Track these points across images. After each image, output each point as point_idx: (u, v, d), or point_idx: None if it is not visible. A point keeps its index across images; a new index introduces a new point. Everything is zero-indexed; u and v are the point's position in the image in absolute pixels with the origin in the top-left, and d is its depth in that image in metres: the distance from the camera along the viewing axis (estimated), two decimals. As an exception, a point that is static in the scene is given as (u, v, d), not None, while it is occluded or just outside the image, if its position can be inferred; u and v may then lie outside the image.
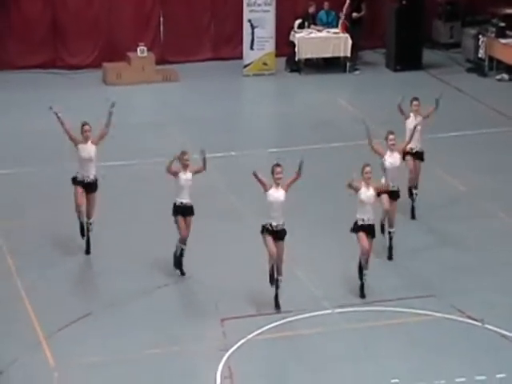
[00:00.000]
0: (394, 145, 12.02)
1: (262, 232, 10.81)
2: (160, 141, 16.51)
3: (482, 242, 12.59)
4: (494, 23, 19.85)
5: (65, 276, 11.91)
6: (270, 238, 10.76)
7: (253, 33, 19.79)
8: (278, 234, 10.77)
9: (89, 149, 12.19)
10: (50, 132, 16.91)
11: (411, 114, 13.10)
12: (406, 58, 19.86)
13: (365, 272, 11.12)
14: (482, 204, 13.68)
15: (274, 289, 10.89)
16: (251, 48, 19.87)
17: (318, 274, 11.76)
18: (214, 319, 10.79)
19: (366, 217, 11.07)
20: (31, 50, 20.00)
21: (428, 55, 20.52)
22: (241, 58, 19.98)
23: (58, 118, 12.36)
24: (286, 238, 10.94)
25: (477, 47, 20.04)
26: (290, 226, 11.19)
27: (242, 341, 10.36)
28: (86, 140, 12.19)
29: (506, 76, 19.44)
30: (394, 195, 11.97)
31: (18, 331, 10.63)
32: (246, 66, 19.96)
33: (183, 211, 11.59)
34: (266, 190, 10.78)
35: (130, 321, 10.86)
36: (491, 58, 19.75)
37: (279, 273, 10.83)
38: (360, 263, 11.13)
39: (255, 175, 10.81)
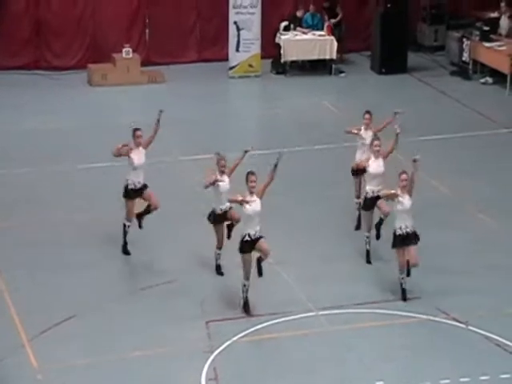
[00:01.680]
0: (378, 151, 11.97)
1: (242, 250, 10.71)
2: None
3: (465, 244, 12.65)
4: (478, 27, 19.96)
5: (49, 278, 11.85)
6: (249, 256, 10.68)
7: (238, 35, 19.81)
8: (256, 242, 10.67)
9: (141, 155, 12.22)
10: (35, 133, 16.92)
11: (362, 128, 12.84)
12: (391, 61, 19.94)
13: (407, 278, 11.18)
14: (464, 206, 13.74)
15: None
16: (237, 50, 19.88)
17: (302, 276, 11.77)
18: (199, 321, 10.77)
19: (405, 224, 11.03)
20: (15, 50, 19.90)
21: (413, 58, 20.61)
22: (226, 59, 19.99)
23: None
24: (271, 240, 10.91)
25: (461, 50, 20.14)
26: (275, 229, 11.22)
27: (227, 343, 10.36)
28: (137, 146, 12.21)
29: (489, 79, 19.54)
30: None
31: (1, 333, 10.56)
32: (231, 68, 19.97)
33: (225, 219, 11.51)
34: (246, 204, 10.65)
35: (115, 323, 10.82)
36: (475, 62, 19.86)
37: (265, 256, 10.76)
38: (408, 271, 11.13)
39: (231, 200, 10.88)
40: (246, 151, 11.55)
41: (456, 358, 10.08)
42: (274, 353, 10.31)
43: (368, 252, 12.02)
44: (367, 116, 12.90)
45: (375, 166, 11.90)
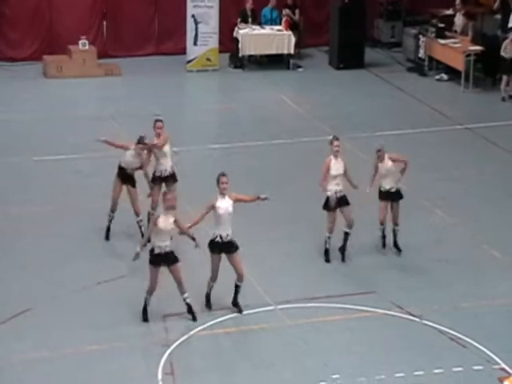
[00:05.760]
0: (338, 151, 11.95)
1: (211, 250, 10.62)
2: (100, 135, 16.31)
3: (420, 239, 12.79)
4: (433, 24, 20.18)
5: (3, 271, 11.71)
6: (217, 257, 10.61)
7: (196, 28, 19.76)
8: (227, 247, 10.58)
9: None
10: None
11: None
12: (349, 57, 20.06)
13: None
14: (420, 202, 13.89)
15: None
16: (195, 43, 19.83)
17: (261, 271, 11.78)
18: (156, 315, 10.73)
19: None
20: (-31, 41, 19.63)
21: (370, 54, 20.77)
22: (184, 53, 19.93)
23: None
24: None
25: (417, 47, 20.36)
26: (234, 223, 11.19)
27: (185, 337, 10.35)
28: (158, 136, 12.16)
29: (444, 76, 19.78)
30: (343, 202, 11.93)
31: (-45, 328, 10.43)
32: (189, 62, 19.91)
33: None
34: (214, 207, 10.50)
35: (70, 317, 10.73)
36: (431, 58, 20.09)
37: (240, 280, 10.74)
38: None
39: (198, 220, 10.54)
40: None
41: (410, 352, 10.20)
42: (232, 347, 10.32)
43: (327, 251, 12.01)
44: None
45: (336, 166, 11.88)
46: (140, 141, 12.21)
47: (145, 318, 10.60)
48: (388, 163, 12.12)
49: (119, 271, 11.69)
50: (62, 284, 11.39)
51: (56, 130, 16.55)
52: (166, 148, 12.29)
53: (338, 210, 11.90)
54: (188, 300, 10.61)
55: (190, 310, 10.64)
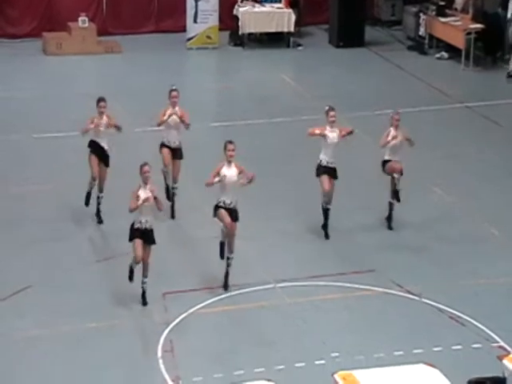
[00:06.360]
0: (334, 121, 11.92)
1: (215, 213, 10.64)
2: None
3: (420, 217, 12.81)
4: (434, 2, 20.09)
5: (4, 248, 11.73)
6: (224, 212, 10.57)
7: (196, 6, 19.67)
8: (230, 212, 10.60)
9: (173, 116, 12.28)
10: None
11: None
12: (349, 35, 19.98)
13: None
14: (420, 180, 13.90)
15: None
16: (195, 21, 19.76)
17: (261, 250, 11.82)
18: (156, 293, 10.76)
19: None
20: (-32, 17, 19.54)
21: (370, 32, 20.68)
22: (184, 31, 19.85)
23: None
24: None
25: (417, 25, 20.28)
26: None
27: (184, 315, 10.38)
28: (173, 106, 12.28)
29: (445, 54, 19.72)
30: (332, 173, 11.95)
31: (-44, 304, 10.47)
32: (189, 40, 19.84)
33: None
34: (219, 173, 10.55)
35: (70, 294, 10.77)
36: (431, 36, 20.01)
37: (231, 250, 10.79)
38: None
39: (210, 184, 10.58)
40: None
41: (410, 330, 10.24)
42: (231, 325, 10.36)
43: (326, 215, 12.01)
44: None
45: (331, 135, 11.87)
46: (99, 100, 12.18)
47: (130, 276, 10.52)
48: (399, 134, 12.10)
49: (119, 249, 11.69)
50: (61, 262, 11.41)
51: (56, 107, 16.51)
52: (175, 120, 12.25)
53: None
54: (145, 285, 10.52)
55: (143, 294, 10.55)
